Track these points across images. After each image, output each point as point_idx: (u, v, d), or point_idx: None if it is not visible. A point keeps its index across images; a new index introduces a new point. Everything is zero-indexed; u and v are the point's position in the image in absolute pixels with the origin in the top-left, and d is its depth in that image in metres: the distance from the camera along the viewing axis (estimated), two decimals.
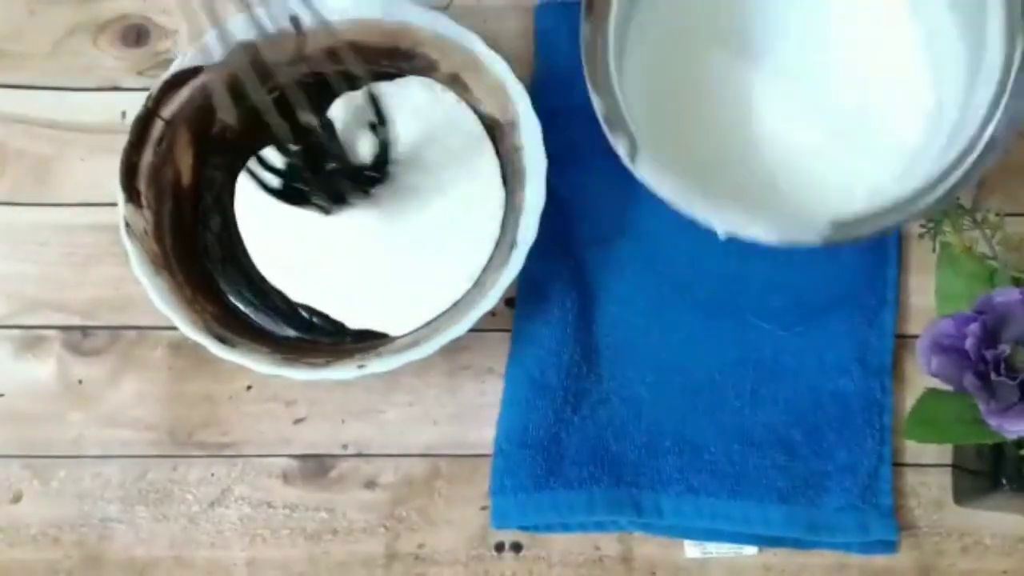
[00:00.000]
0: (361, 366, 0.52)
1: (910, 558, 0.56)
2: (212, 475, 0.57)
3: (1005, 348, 0.45)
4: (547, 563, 0.56)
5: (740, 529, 0.55)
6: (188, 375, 0.58)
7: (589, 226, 0.59)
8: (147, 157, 0.56)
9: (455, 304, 0.55)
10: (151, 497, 0.57)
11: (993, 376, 0.45)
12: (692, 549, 0.56)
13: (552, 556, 0.56)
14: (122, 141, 0.62)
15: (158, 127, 0.56)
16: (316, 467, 0.58)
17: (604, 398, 0.57)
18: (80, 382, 0.59)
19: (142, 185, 0.56)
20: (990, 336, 0.45)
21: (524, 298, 0.58)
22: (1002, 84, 0.50)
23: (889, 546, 0.55)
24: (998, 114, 0.49)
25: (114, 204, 0.61)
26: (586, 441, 0.56)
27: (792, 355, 0.58)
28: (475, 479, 0.57)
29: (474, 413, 0.58)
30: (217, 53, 0.56)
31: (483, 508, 0.57)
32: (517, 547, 0.56)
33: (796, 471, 0.56)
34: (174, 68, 0.56)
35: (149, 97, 0.56)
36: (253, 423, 0.58)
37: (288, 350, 0.55)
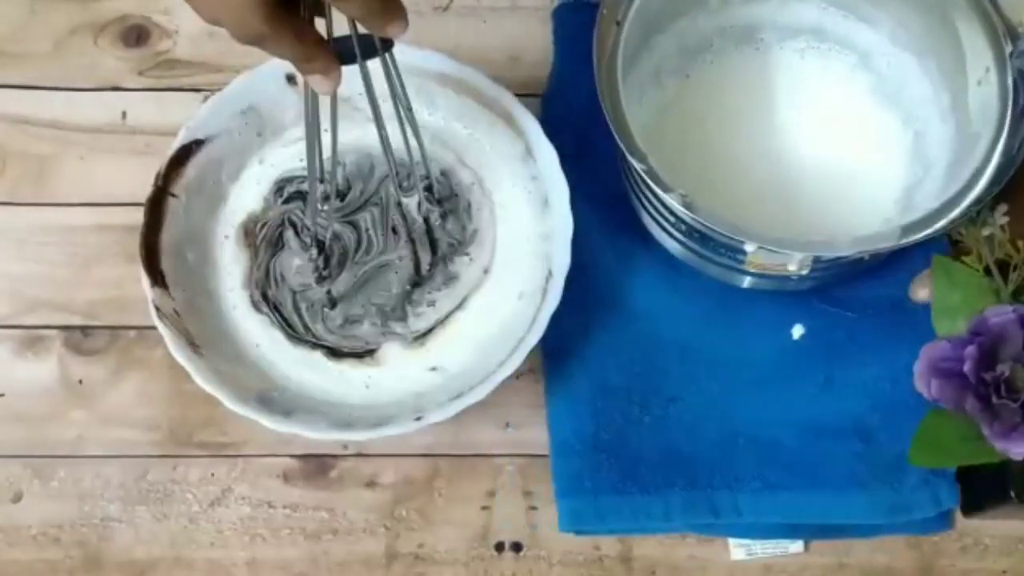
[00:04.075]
0: (419, 418, 0.52)
1: (910, 558, 0.56)
2: (212, 475, 0.57)
3: (1004, 370, 0.44)
4: (547, 563, 0.56)
5: (820, 521, 0.54)
6: (188, 375, 0.58)
7: (612, 221, 0.59)
8: (166, 236, 0.55)
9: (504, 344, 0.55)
10: (151, 497, 0.57)
11: (994, 399, 0.44)
12: (737, 550, 0.56)
13: (552, 556, 0.56)
14: (122, 141, 0.63)
15: (171, 204, 0.56)
16: (316, 467, 0.58)
17: (674, 396, 0.57)
18: (80, 382, 0.59)
19: (165, 266, 0.55)
20: (988, 357, 0.45)
21: (572, 297, 0.56)
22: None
23: (947, 519, 0.55)
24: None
25: (114, 204, 0.61)
26: (658, 443, 0.56)
27: (867, 333, 0.57)
28: (475, 479, 0.57)
29: (474, 413, 0.57)
30: (214, 123, 0.56)
31: (483, 508, 0.57)
32: (517, 547, 0.56)
33: (874, 456, 0.55)
34: (177, 143, 0.56)
35: (157, 175, 0.55)
36: (253, 423, 0.57)
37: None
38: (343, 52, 0.43)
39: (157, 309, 0.54)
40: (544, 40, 0.64)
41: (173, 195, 0.56)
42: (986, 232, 0.49)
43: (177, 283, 0.55)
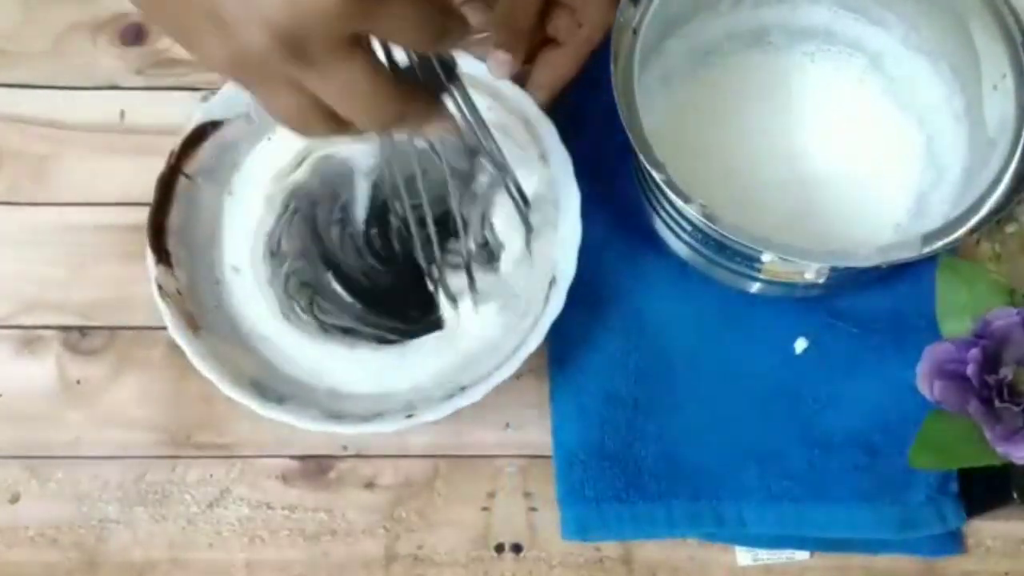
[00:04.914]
0: (409, 416, 0.51)
1: (912, 560, 0.55)
2: (211, 476, 0.57)
3: (1007, 373, 0.44)
4: (547, 564, 0.56)
5: (825, 535, 0.54)
6: (187, 375, 0.58)
7: (623, 227, 0.59)
8: (174, 216, 0.55)
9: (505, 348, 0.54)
10: (150, 498, 0.57)
11: (997, 402, 0.44)
12: (744, 556, 0.55)
13: (552, 558, 0.56)
14: (121, 140, 0.62)
15: (182, 184, 0.55)
16: (315, 468, 0.57)
17: (678, 405, 0.56)
18: (78, 382, 0.59)
19: (172, 245, 0.55)
20: (991, 360, 0.45)
21: (580, 302, 0.56)
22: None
23: (954, 540, 0.55)
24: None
25: (112, 203, 0.61)
26: (663, 452, 0.55)
27: (872, 351, 0.57)
28: (475, 480, 0.57)
29: (473, 414, 0.57)
30: (232, 105, 0.55)
31: (483, 509, 0.56)
32: (517, 548, 0.56)
33: (879, 470, 0.54)
34: (193, 123, 0.56)
35: (171, 154, 0.55)
36: (252, 423, 0.57)
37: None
38: (427, 84, 0.41)
39: (160, 287, 0.53)
40: None
41: (186, 175, 0.55)
42: (1010, 230, 0.49)
43: (182, 263, 0.55)
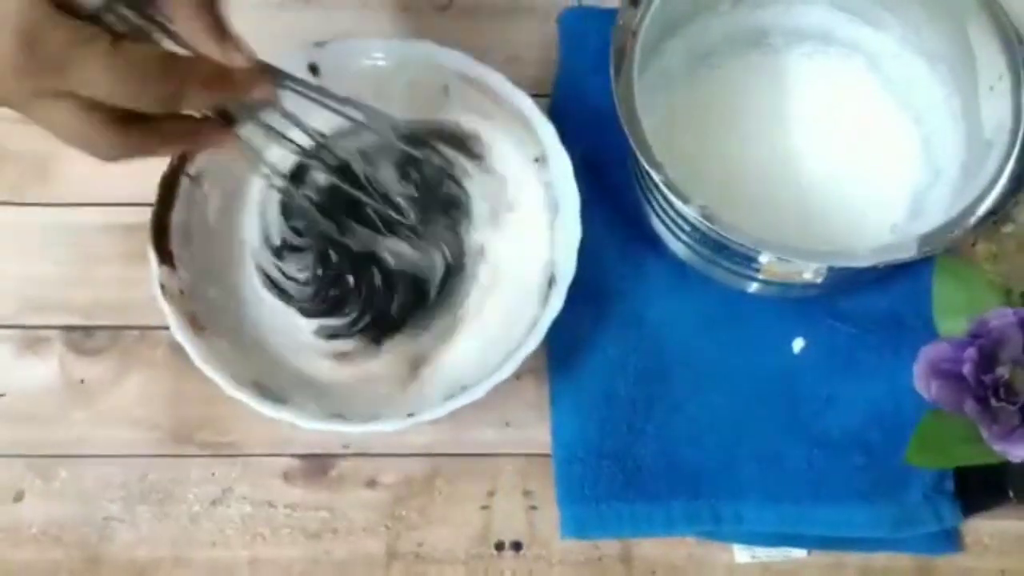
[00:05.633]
0: (411, 415, 0.52)
1: (908, 557, 0.56)
2: (213, 475, 0.58)
3: (1003, 372, 0.44)
4: (547, 562, 0.56)
5: (822, 533, 0.55)
6: (189, 375, 0.58)
7: (622, 227, 0.59)
8: (177, 216, 0.55)
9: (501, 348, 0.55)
10: (152, 497, 0.57)
11: (993, 401, 0.44)
12: (741, 554, 0.56)
13: (552, 556, 0.56)
14: None
15: (185, 184, 0.56)
16: (317, 466, 0.58)
17: (678, 405, 0.57)
18: (82, 382, 0.59)
19: (174, 246, 0.55)
20: (987, 360, 0.45)
21: (580, 302, 0.56)
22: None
23: (951, 539, 0.55)
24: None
25: (116, 204, 0.61)
26: (662, 451, 0.56)
27: (870, 352, 0.57)
28: (475, 479, 0.57)
29: (473, 413, 0.58)
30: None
31: (483, 507, 0.57)
32: (517, 546, 0.56)
33: (876, 469, 0.55)
34: None
35: (174, 155, 0.55)
36: (254, 422, 0.58)
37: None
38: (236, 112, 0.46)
39: (162, 287, 0.54)
40: (544, 40, 0.64)
41: (189, 176, 0.56)
42: (1007, 230, 0.49)
43: (186, 263, 0.55)
